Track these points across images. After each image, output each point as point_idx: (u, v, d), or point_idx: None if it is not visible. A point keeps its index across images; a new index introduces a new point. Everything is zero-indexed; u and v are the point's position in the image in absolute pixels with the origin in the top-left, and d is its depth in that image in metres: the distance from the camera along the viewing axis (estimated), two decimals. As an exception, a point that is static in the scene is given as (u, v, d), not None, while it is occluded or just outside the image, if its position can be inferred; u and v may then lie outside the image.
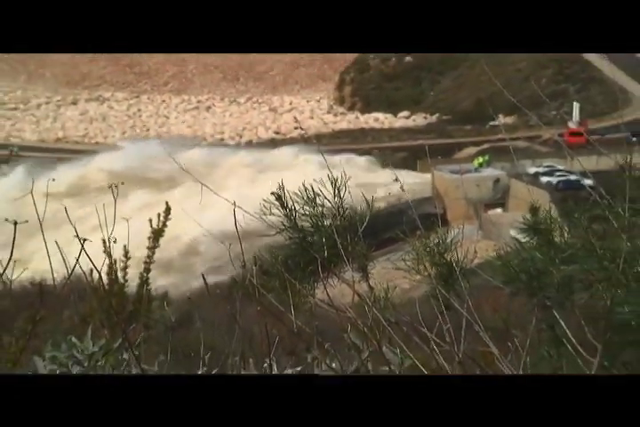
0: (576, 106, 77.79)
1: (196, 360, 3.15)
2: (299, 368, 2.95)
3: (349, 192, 2.92)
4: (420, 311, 3.13)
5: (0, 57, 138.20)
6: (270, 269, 3.12)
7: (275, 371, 2.90)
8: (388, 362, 2.75)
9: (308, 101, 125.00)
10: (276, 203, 2.82)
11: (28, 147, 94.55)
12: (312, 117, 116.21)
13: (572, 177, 54.06)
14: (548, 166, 62.07)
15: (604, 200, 3.01)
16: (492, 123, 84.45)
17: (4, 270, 3.06)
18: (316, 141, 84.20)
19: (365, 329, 2.76)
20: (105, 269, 3.15)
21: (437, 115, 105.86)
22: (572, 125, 71.56)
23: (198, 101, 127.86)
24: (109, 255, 3.08)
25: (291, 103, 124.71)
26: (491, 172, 64.32)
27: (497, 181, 62.84)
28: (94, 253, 3.21)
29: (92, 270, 3.11)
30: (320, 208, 2.85)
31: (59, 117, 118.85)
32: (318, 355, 2.92)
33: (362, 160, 70.31)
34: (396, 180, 4.06)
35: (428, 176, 63.48)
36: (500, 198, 61.90)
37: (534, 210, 3.33)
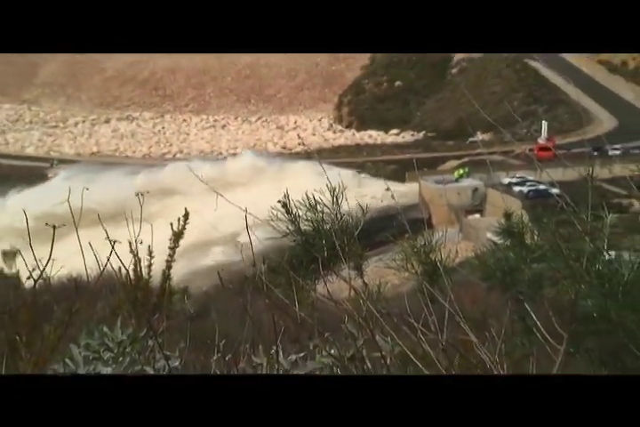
0: (544, 124, 77.77)
1: (212, 347, 3.14)
2: (302, 354, 2.95)
3: (346, 199, 2.92)
4: (409, 304, 3.12)
5: (42, 82, 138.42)
6: (277, 267, 3.12)
7: (281, 357, 2.89)
8: (380, 349, 2.74)
9: (310, 120, 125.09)
10: (282, 210, 2.82)
11: (66, 159, 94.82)
12: (314, 134, 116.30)
13: (541, 187, 54.01)
14: (520, 177, 62.02)
15: (569, 207, 3.00)
16: (471, 139, 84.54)
17: (44, 268, 3.06)
18: (318, 155, 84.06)
19: (360, 320, 2.76)
20: (131, 266, 3.15)
21: (423, 132, 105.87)
22: (541, 141, 71.49)
23: (215, 120, 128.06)
24: (135, 255, 3.08)
25: (295, 122, 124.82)
26: (470, 182, 64.30)
27: (475, 190, 62.83)
28: (123, 253, 3.22)
29: (120, 268, 3.11)
30: (320, 214, 2.84)
31: (93, 134, 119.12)
32: (319, 342, 2.92)
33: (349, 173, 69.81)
34: (388, 189, 4.06)
35: (415, 186, 63.43)
36: (478, 205, 61.89)
37: (508, 215, 3.32)
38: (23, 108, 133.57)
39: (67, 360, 2.67)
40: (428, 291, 3.03)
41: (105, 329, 2.80)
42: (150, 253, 3.28)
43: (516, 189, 58.98)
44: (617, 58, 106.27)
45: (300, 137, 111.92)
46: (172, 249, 3.24)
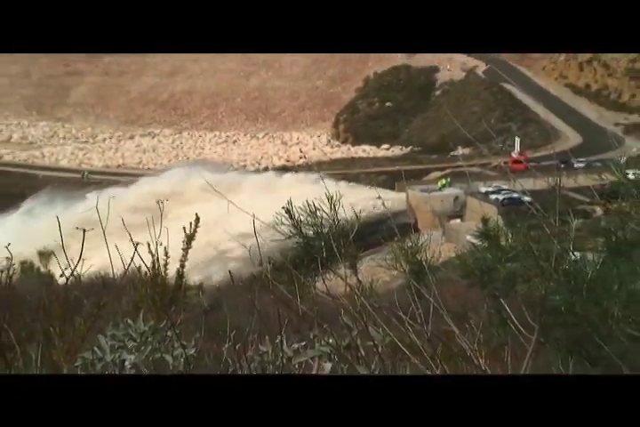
0: (517, 140, 77.68)
1: (224, 337, 3.13)
2: (303, 343, 2.94)
3: (342, 206, 2.91)
4: (398, 299, 3.12)
5: (74, 102, 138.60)
6: (281, 266, 3.12)
7: (285, 345, 2.88)
8: (373, 338, 2.73)
9: (311, 136, 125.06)
10: (286, 215, 2.82)
11: (95, 171, 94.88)
12: (314, 149, 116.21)
13: (515, 195, 53.87)
14: (495, 187, 61.88)
15: (539, 213, 3.00)
16: (452, 153, 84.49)
17: (75, 267, 3.06)
18: (317, 167, 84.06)
19: (355, 313, 2.75)
20: (150, 265, 3.14)
21: (410, 147, 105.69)
22: (515, 155, 71.46)
23: (227, 136, 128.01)
24: (154, 255, 3.07)
25: (298, 138, 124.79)
26: (451, 191, 64.19)
27: (456, 198, 62.71)
28: (143, 253, 3.21)
29: (140, 267, 3.11)
30: (320, 219, 2.84)
31: (119, 149, 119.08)
32: (318, 333, 2.91)
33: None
34: (379, 197, 4.05)
35: (403, 194, 63.40)
36: (458, 211, 61.77)
37: (485, 220, 3.32)
38: (57, 126, 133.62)
39: (95, 349, 2.66)
40: (414, 287, 3.03)
41: (129, 321, 2.79)
42: (166, 253, 3.28)
43: (493, 196, 58.89)
44: (581, 81, 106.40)
45: (301, 151, 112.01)
46: (185, 250, 3.23)
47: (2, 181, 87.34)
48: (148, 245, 3.07)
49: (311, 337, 2.96)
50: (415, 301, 2.99)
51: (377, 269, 3.27)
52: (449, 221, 59.88)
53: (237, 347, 2.98)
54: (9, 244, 3.54)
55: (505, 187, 59.67)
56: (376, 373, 2.62)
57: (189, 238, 3.11)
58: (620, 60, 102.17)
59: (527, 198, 4.06)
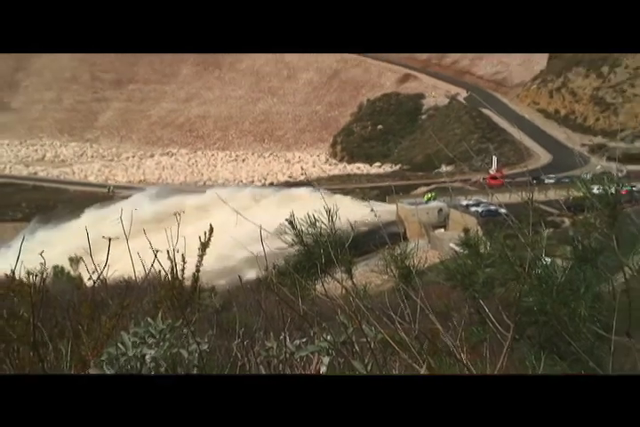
0: (494, 159, 77.69)
1: (233, 334, 3.12)
2: (304, 339, 2.93)
3: (339, 218, 2.91)
4: (388, 300, 3.11)
5: (101, 125, 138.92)
6: (284, 271, 3.11)
7: (288, 341, 2.88)
8: (366, 335, 2.73)
9: (311, 156, 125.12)
10: (289, 226, 2.82)
11: (119, 186, 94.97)
12: (314, 166, 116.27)
13: (492, 207, 53.87)
14: (475, 200, 61.84)
15: (514, 223, 3.00)
16: (437, 170, 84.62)
17: (102, 272, 3.06)
18: (317, 183, 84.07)
19: (350, 312, 2.74)
20: (169, 270, 3.14)
21: (400, 165, 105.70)
22: (492, 172, 71.54)
23: (236, 155, 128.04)
24: (172, 260, 3.07)
25: (299, 157, 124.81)
26: (436, 204, 64.14)
27: (440, 210, 62.66)
28: (162, 259, 3.21)
29: (159, 271, 3.11)
30: (319, 229, 2.84)
31: (141, 166, 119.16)
32: (318, 330, 2.90)
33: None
34: (372, 210, 4.05)
35: (393, 206, 63.36)
36: (442, 222, 61.74)
37: (466, 230, 3.32)
38: (86, 146, 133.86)
39: (119, 344, 2.65)
40: (403, 289, 3.02)
41: (149, 320, 2.78)
42: (183, 258, 3.28)
43: (472, 209, 58.87)
44: (550, 107, 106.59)
45: (302, 169, 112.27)
46: (201, 256, 3.23)
47: (37, 195, 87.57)
48: (167, 252, 3.07)
49: (311, 334, 2.95)
50: (404, 302, 2.98)
51: (370, 274, 3.28)
52: (434, 230, 59.86)
53: (246, 343, 2.98)
54: (42, 251, 3.54)
55: (483, 200, 59.70)
56: (369, 366, 2.62)
57: (204, 246, 3.11)
58: (585, 88, 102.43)
59: (503, 210, 4.06)
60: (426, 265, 3.24)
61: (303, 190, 64.54)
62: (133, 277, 4.67)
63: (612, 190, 2.66)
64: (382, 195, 68.71)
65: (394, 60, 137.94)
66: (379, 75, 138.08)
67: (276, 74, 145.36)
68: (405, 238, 50.45)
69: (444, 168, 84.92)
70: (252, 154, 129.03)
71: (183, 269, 3.07)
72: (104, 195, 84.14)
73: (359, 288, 2.93)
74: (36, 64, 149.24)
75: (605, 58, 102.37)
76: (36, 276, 3.09)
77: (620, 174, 2.60)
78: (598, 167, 58.90)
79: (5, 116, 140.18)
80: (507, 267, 2.86)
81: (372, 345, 2.68)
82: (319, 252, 2.86)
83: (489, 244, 3.23)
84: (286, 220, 2.80)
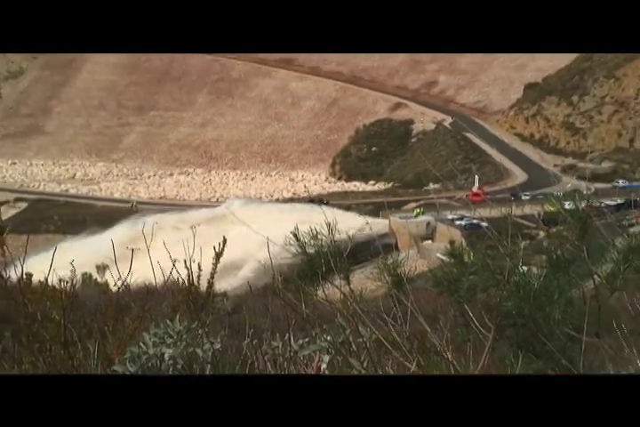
0: (477, 178, 77.78)
1: (243, 334, 3.11)
2: (307, 340, 2.92)
3: (338, 231, 2.91)
4: (382, 304, 3.11)
5: (126, 147, 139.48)
6: (289, 278, 3.11)
7: (292, 341, 2.86)
8: (362, 336, 2.72)
9: (313, 174, 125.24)
10: (293, 238, 2.82)
11: (142, 202, 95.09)
12: (315, 184, 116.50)
13: (475, 221, 53.76)
14: (459, 214, 61.78)
15: (495, 235, 3.00)
16: (425, 188, 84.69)
17: (126, 278, 3.06)
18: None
19: (348, 315, 2.74)
20: (186, 277, 3.14)
21: (392, 183, 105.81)
22: (474, 190, 71.59)
23: (246, 175, 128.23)
24: (188, 268, 3.08)
25: (302, 176, 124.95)
26: (425, 218, 64.12)
27: (428, 223, 62.59)
28: (180, 267, 3.21)
29: (178, 278, 3.11)
30: (320, 241, 2.84)
31: (161, 184, 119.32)
32: (319, 331, 2.89)
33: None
34: (367, 223, 4.05)
35: (386, 220, 63.33)
36: (430, 234, 61.68)
37: (452, 242, 3.32)
38: (112, 166, 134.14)
39: (140, 344, 2.64)
40: (395, 295, 3.02)
41: (168, 322, 2.78)
42: (199, 266, 3.28)
43: (457, 222, 58.79)
44: (526, 131, 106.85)
45: (305, 186, 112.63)
46: (215, 265, 3.23)
47: (68, 210, 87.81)
48: (184, 261, 3.08)
49: (313, 335, 2.94)
50: (396, 306, 2.98)
51: (365, 280, 3.27)
52: (422, 242, 59.77)
53: (254, 342, 2.96)
54: (73, 260, 3.54)
55: (467, 215, 59.63)
56: (365, 364, 2.60)
57: (218, 256, 3.10)
58: (557, 115, 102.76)
59: (485, 224, 4.06)
60: (415, 273, 3.24)
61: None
62: (154, 283, 4.66)
63: (582, 206, 2.67)
64: (376, 210, 68.66)
65: (387, 90, 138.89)
66: (373, 103, 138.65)
67: (282, 101, 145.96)
68: (397, 249, 50.40)
69: (431, 186, 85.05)
70: (260, 173, 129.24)
71: (199, 277, 3.07)
72: (128, 209, 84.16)
73: (356, 293, 2.93)
74: (68, 93, 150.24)
75: (575, 87, 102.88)
76: (67, 282, 3.09)
77: (589, 192, 2.61)
78: (569, 185, 58.88)
79: (40, 139, 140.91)
80: (488, 274, 2.86)
81: (368, 345, 2.67)
82: (320, 261, 2.86)
83: (472, 254, 3.23)
84: (291, 232, 2.81)
